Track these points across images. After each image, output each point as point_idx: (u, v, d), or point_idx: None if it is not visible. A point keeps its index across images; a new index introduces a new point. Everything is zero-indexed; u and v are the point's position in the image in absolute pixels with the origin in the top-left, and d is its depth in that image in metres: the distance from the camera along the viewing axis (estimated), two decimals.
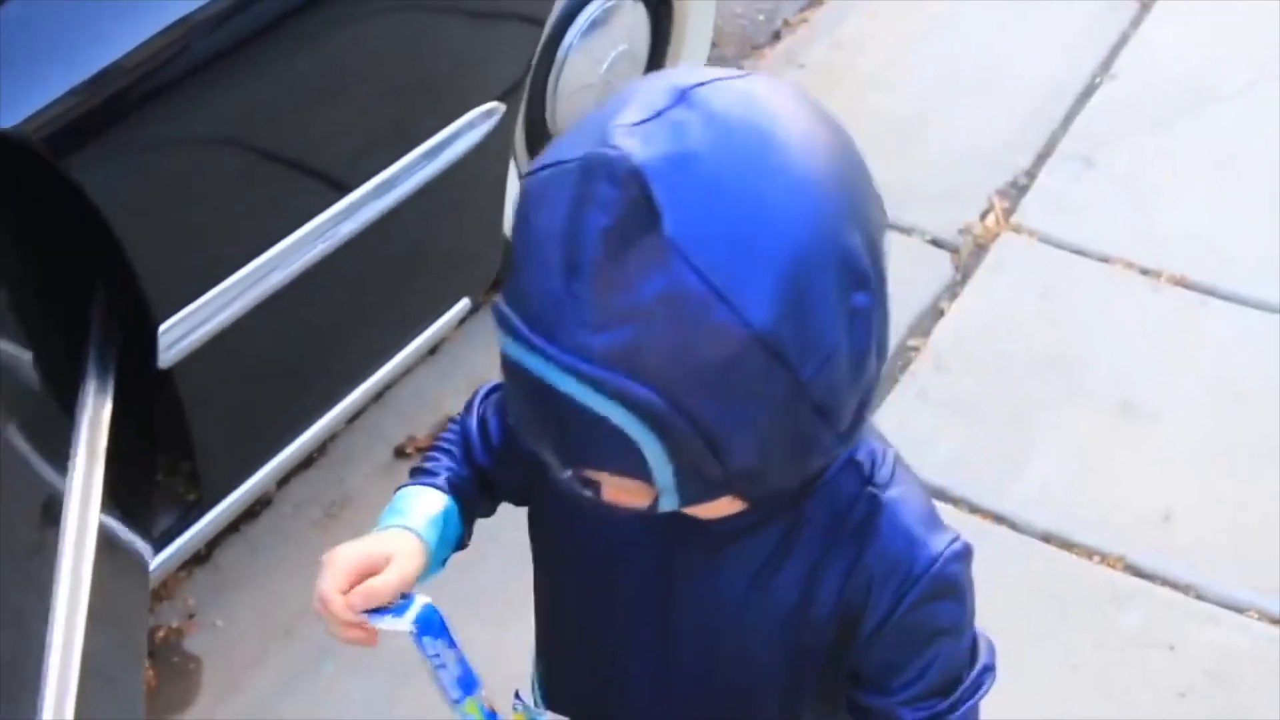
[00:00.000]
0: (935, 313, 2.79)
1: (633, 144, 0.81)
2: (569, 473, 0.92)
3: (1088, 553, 2.34)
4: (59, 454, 1.60)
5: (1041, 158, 3.17)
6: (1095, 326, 2.78)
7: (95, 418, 1.62)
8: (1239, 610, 2.25)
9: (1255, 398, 2.62)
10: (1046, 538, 2.34)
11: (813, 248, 0.83)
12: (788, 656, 1.07)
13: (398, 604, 1.06)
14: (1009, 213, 3.04)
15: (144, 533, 1.82)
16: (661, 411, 0.82)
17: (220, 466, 1.95)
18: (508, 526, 1.27)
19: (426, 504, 1.12)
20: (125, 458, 1.74)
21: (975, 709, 1.07)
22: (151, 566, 1.86)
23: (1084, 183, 3.12)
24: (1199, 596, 2.27)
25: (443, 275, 2.29)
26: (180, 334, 1.68)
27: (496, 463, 1.18)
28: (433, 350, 2.71)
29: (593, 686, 1.17)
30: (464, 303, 2.33)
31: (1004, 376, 2.63)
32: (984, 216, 3.01)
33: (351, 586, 1.05)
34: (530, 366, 0.84)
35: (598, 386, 0.82)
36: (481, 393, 1.23)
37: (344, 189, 1.89)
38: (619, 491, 0.92)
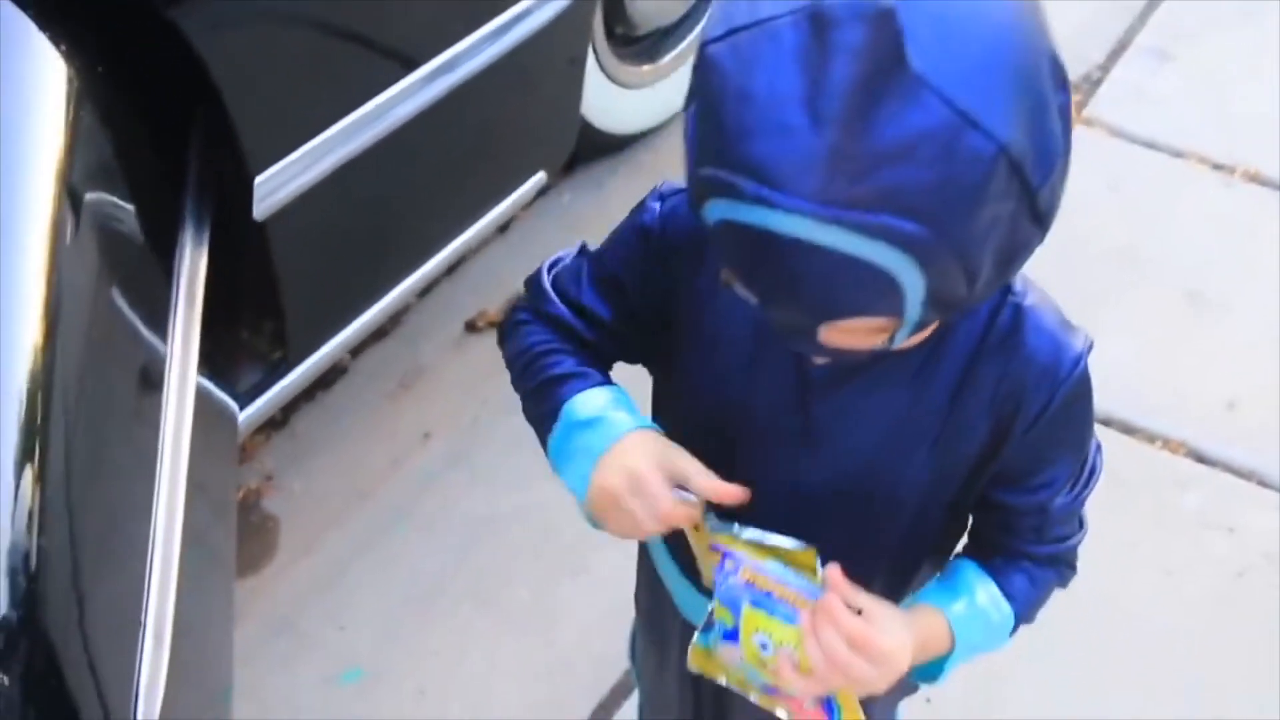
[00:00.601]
0: None
1: None
2: (803, 333, 0.93)
3: (1150, 437, 2.36)
4: (159, 308, 1.64)
5: (1117, 51, 3.14)
6: (1166, 219, 2.77)
7: (193, 268, 1.66)
8: None
9: None
10: (1108, 421, 2.36)
11: (1032, 52, 0.86)
12: (930, 476, 1.11)
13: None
14: (1081, 106, 3.01)
15: (231, 390, 1.87)
16: (930, 244, 0.84)
17: (306, 325, 1.99)
18: None
19: (613, 399, 1.12)
20: (215, 316, 1.79)
21: (1091, 490, 1.16)
22: (239, 424, 1.91)
23: (1159, 77, 3.09)
24: (1261, 483, 2.29)
25: (519, 149, 2.31)
26: (274, 186, 1.72)
27: (602, 335, 1.17)
28: (503, 228, 2.74)
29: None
30: (539, 177, 2.36)
31: (1072, 265, 2.62)
32: None
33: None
34: (783, 229, 0.84)
35: (867, 232, 0.83)
36: (546, 278, 1.19)
37: (426, 57, 1.91)
38: (852, 336, 0.94)
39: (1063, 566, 1.20)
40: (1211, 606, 2.13)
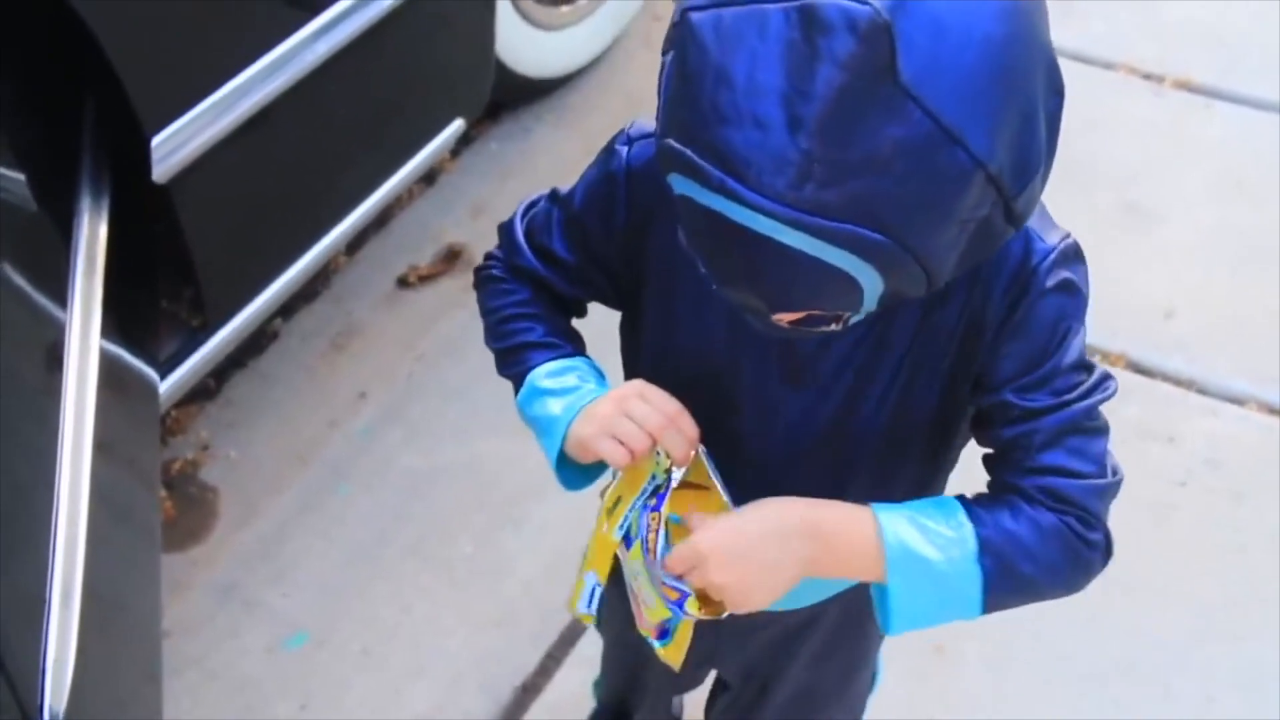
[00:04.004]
0: None
1: None
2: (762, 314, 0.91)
3: (1089, 351, 2.34)
4: (59, 277, 1.61)
5: None
6: (1098, 132, 2.76)
7: (92, 235, 1.62)
8: (1238, 402, 2.27)
9: (1257, 196, 2.61)
10: None
11: (1029, 61, 0.83)
12: (903, 393, 1.07)
13: None
14: None
15: (149, 359, 1.84)
16: (894, 253, 0.83)
17: (222, 289, 1.96)
18: None
19: (579, 374, 1.13)
20: (127, 284, 1.75)
21: (1102, 403, 1.05)
22: (160, 392, 1.88)
23: None
24: (1200, 390, 2.29)
25: (434, 95, 2.26)
26: (173, 147, 1.68)
27: (575, 283, 1.17)
28: (431, 181, 2.71)
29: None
30: (458, 124, 2.31)
31: None
32: None
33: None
34: (745, 222, 0.83)
35: (831, 238, 0.82)
36: (519, 228, 1.18)
37: (325, 3, 1.86)
38: (807, 318, 0.92)
39: (1071, 513, 1.03)
40: (1154, 516, 2.13)
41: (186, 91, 1.69)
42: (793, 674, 1.38)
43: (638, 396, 1.06)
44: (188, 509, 2.22)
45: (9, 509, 1.28)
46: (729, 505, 1.07)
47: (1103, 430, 1.07)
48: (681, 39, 0.84)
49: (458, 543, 2.14)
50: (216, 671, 2.00)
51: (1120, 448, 2.18)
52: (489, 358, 1.22)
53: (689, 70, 0.83)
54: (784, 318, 0.93)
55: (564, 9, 2.73)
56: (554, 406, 1.11)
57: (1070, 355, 1.03)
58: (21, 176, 1.60)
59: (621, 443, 1.05)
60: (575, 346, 1.18)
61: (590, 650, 1.91)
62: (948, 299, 1.03)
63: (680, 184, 0.86)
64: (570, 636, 1.99)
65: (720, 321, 1.07)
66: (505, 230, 1.19)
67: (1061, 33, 3.25)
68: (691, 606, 1.07)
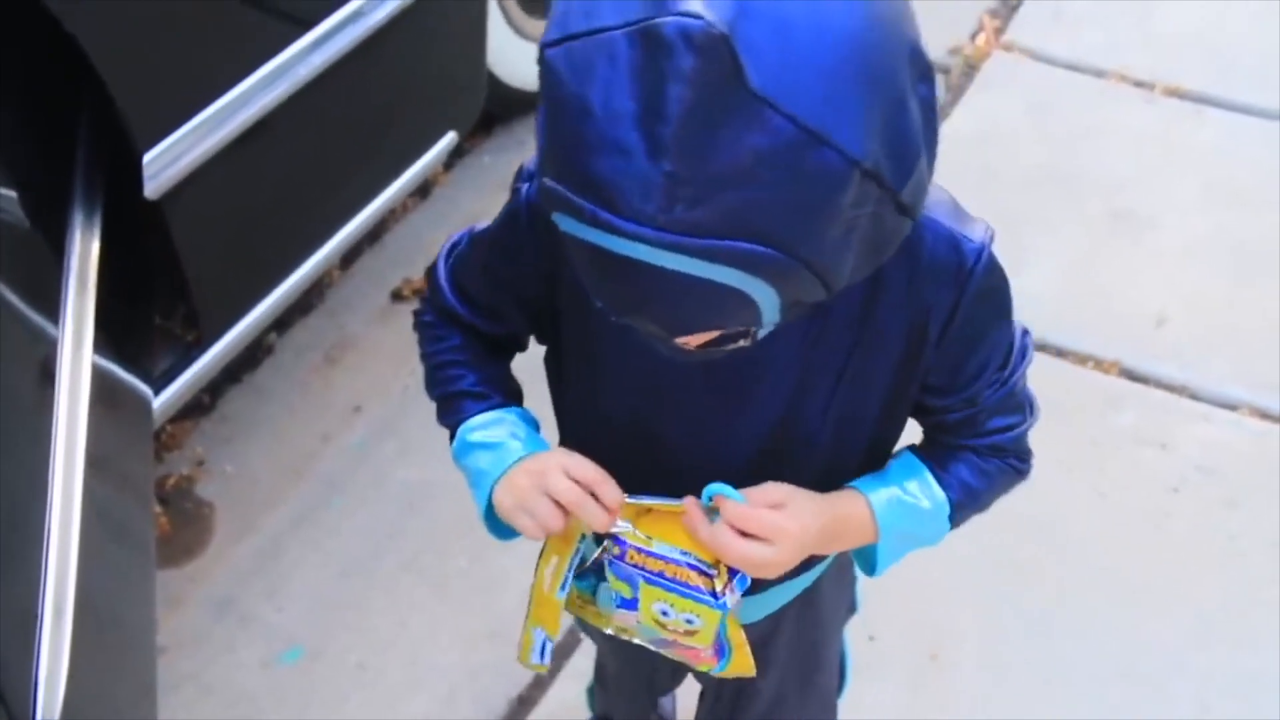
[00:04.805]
0: None
1: (695, 4, 0.76)
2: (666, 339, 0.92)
3: (1082, 359, 2.36)
4: (52, 293, 1.61)
5: None
6: (1088, 140, 2.77)
7: (84, 251, 1.62)
8: (1231, 408, 2.27)
9: (1248, 202, 2.62)
10: (1041, 346, 2.35)
11: (888, 52, 0.81)
12: (849, 396, 1.09)
13: None
14: (1000, 31, 3.00)
15: (143, 375, 1.84)
16: (780, 263, 0.81)
17: (215, 305, 1.96)
18: None
19: (509, 427, 1.15)
20: (121, 300, 1.75)
21: (1025, 371, 1.12)
22: (154, 407, 1.88)
23: None
24: (1192, 396, 2.30)
25: (426, 108, 2.27)
26: (165, 163, 1.68)
27: (498, 322, 1.18)
28: (425, 194, 2.71)
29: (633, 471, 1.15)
30: (450, 137, 2.32)
31: (995, 191, 2.63)
32: (975, 36, 2.98)
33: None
34: (624, 252, 0.82)
35: (712, 257, 0.80)
36: (442, 271, 1.20)
37: (316, 18, 1.87)
38: (710, 338, 0.92)
39: (1010, 456, 1.16)
40: (1149, 522, 2.13)
41: (178, 108, 1.70)
42: (764, 672, 1.39)
43: (558, 469, 1.07)
44: (183, 524, 2.22)
45: (2, 525, 1.28)
46: (692, 508, 1.07)
47: (1026, 376, 1.14)
48: (544, 79, 0.83)
49: (452, 556, 2.14)
50: (212, 686, 2.00)
51: (1114, 456, 2.21)
52: None
53: (554, 105, 0.82)
54: (690, 341, 0.92)
55: None
56: (482, 461, 1.14)
57: (1008, 341, 1.10)
58: (13, 194, 1.60)
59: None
60: (505, 395, 1.19)
61: (584, 663, 1.91)
62: (882, 305, 1.04)
63: (562, 221, 0.85)
64: (565, 649, 1.99)
65: (641, 348, 1.07)
66: (430, 274, 1.21)
67: (1052, 41, 3.27)
68: (726, 594, 1.09)
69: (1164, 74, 2.87)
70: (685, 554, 1.08)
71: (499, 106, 2.69)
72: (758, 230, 0.79)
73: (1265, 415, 2.26)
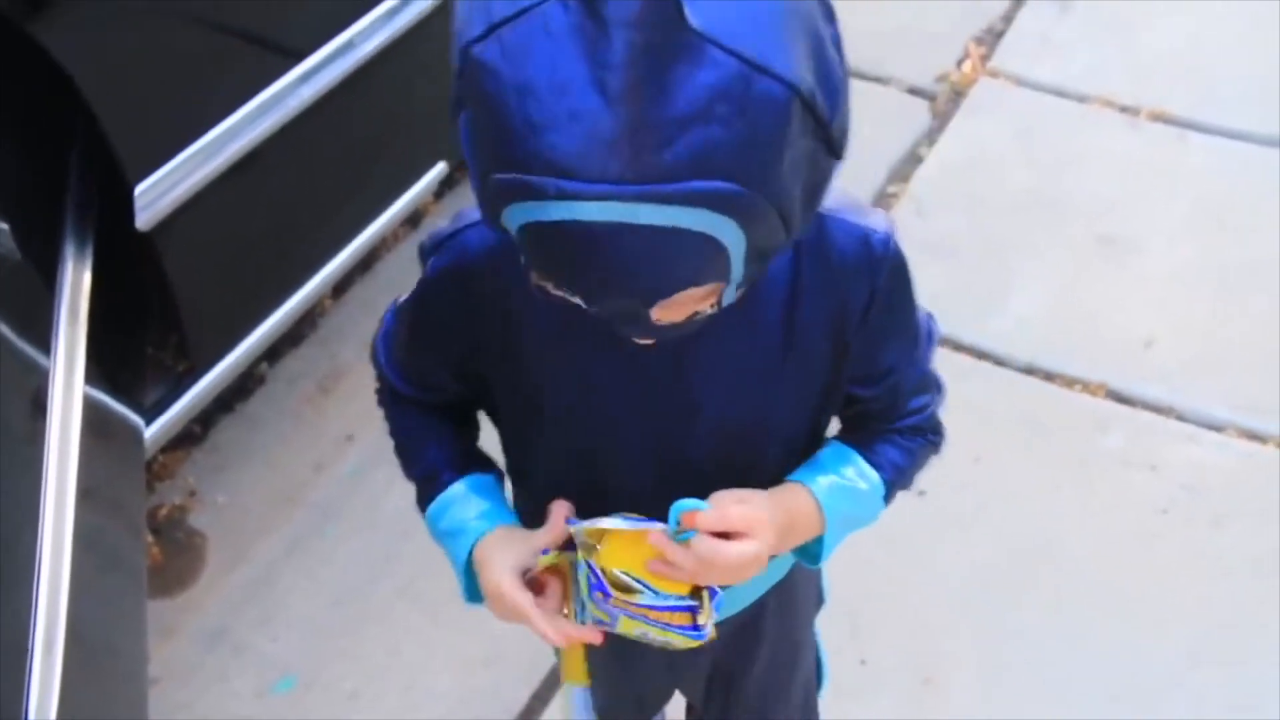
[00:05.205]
0: (913, 159, 2.79)
1: None
2: (636, 316, 0.93)
3: (1069, 382, 2.37)
4: (43, 324, 1.62)
5: (1019, 1, 3.15)
6: (1074, 165, 2.79)
7: (76, 283, 1.63)
8: (1217, 429, 2.28)
9: (1233, 226, 2.64)
10: (1029, 370, 2.37)
11: None
12: (792, 400, 1.13)
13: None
14: (986, 58, 3.02)
15: (135, 405, 1.85)
16: (745, 199, 0.83)
17: (206, 335, 1.97)
18: None
19: (470, 506, 1.19)
20: (112, 331, 1.76)
21: (932, 353, 1.19)
22: (145, 438, 1.88)
23: (1061, 24, 3.10)
24: (1179, 418, 2.31)
25: (416, 138, 2.28)
26: (156, 195, 1.69)
27: (435, 392, 1.21)
28: (415, 223, 2.72)
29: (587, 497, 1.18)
30: (440, 166, 2.34)
31: (983, 217, 2.64)
32: (961, 63, 3.00)
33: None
34: (595, 217, 0.82)
35: (682, 201, 0.82)
36: (380, 352, 1.23)
37: (306, 50, 1.88)
38: (683, 308, 0.93)
39: (927, 433, 1.22)
40: (1138, 543, 2.14)
41: (169, 140, 1.72)
42: (749, 671, 1.41)
43: (496, 601, 1.15)
44: (175, 554, 2.22)
45: None
46: (647, 527, 1.08)
47: (933, 354, 1.19)
48: (471, 80, 0.84)
49: (446, 583, 2.12)
50: (206, 717, 2.00)
51: (1102, 478, 2.22)
52: None
53: (489, 103, 0.83)
54: (663, 314, 0.93)
55: None
56: (452, 549, 1.20)
57: (917, 322, 1.15)
58: (5, 226, 1.61)
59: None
60: (458, 469, 1.21)
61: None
62: (803, 306, 1.07)
63: (518, 214, 0.85)
64: (558, 676, 1.99)
65: (581, 384, 1.10)
66: (372, 358, 1.23)
67: (1037, 67, 3.28)
68: (707, 624, 1.11)
69: (1149, 99, 2.90)
70: (666, 596, 1.09)
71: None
72: (721, 167, 0.82)
73: (1252, 436, 2.27)
